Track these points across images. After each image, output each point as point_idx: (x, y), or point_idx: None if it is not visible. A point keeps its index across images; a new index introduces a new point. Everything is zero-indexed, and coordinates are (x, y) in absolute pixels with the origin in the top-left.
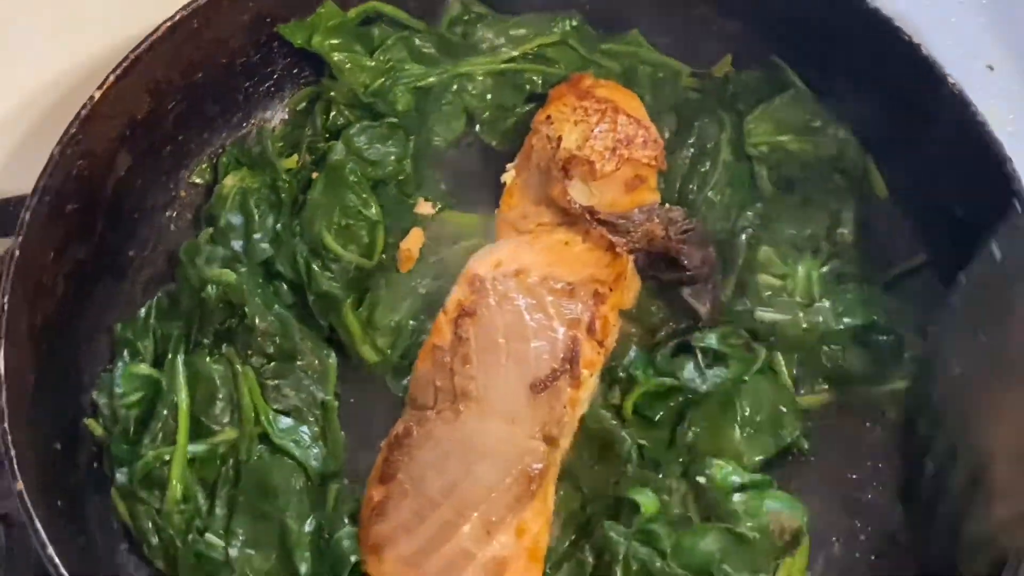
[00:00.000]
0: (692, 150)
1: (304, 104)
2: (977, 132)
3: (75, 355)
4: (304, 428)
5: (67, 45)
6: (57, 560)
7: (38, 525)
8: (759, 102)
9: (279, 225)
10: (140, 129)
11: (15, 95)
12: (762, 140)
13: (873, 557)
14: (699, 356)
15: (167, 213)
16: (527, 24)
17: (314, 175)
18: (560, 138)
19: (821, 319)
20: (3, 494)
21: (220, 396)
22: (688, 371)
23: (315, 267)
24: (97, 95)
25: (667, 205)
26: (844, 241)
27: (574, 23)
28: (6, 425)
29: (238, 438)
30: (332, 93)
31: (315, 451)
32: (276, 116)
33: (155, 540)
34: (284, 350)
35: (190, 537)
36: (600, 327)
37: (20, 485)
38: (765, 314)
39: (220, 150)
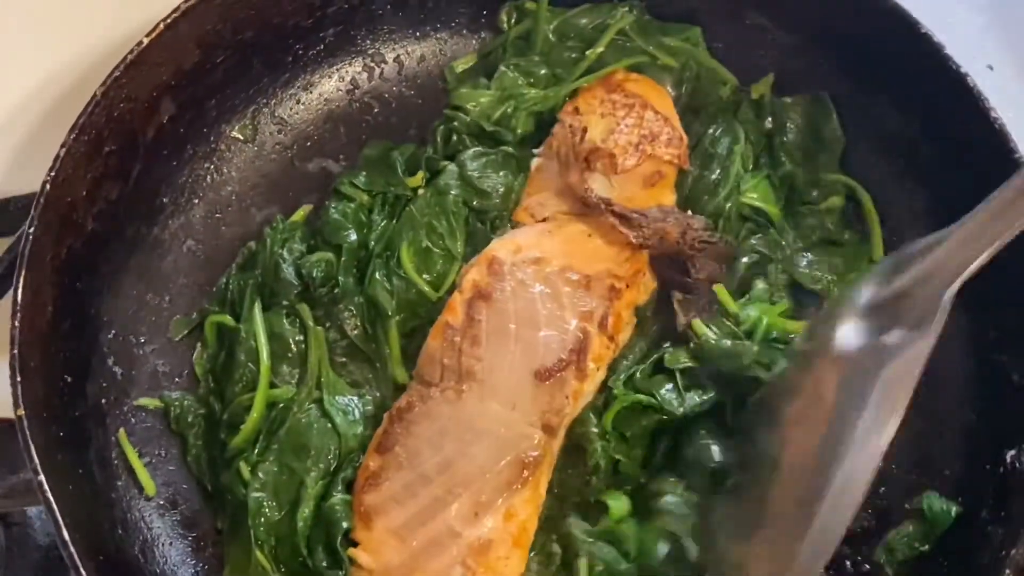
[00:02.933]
0: (708, 154)
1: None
2: None
3: (98, 293)
4: (358, 403)
5: (66, 49)
6: (47, 487)
7: (33, 453)
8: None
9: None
10: (186, 79)
11: (14, 96)
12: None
13: None
14: (678, 378)
15: (205, 164)
16: (586, 14)
17: (420, 190)
18: (585, 129)
19: (743, 356)
20: (3, 493)
21: (290, 354)
22: (666, 391)
23: (378, 275)
24: (145, 41)
25: (689, 212)
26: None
27: (631, 14)
28: (16, 351)
29: (295, 396)
30: (455, 123)
31: (359, 428)
32: (323, 81)
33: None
34: (364, 334)
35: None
36: (612, 322)
37: (21, 411)
38: (700, 326)
39: (263, 107)
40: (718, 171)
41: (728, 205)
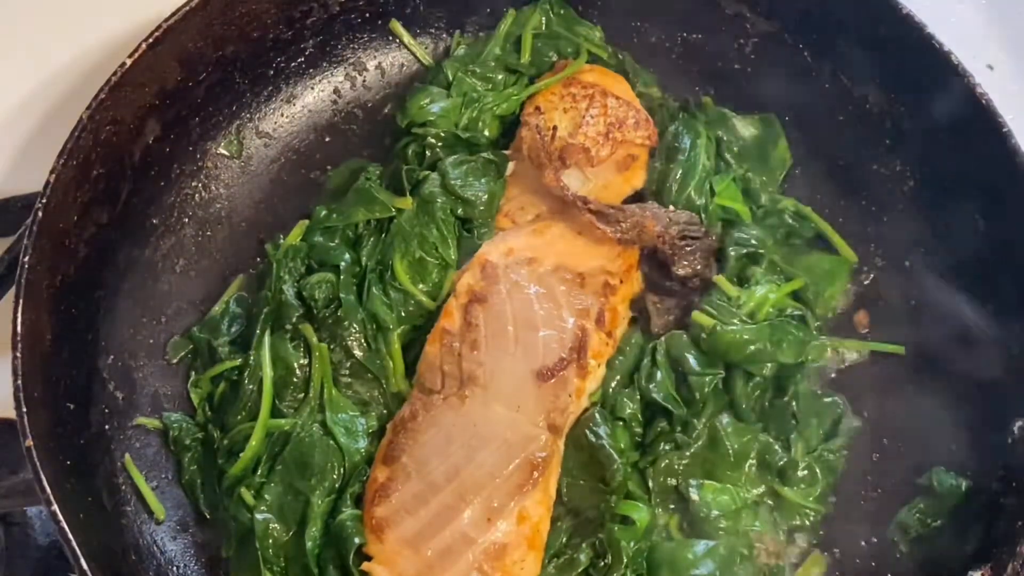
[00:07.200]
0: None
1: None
2: None
3: (94, 319)
4: (362, 421)
5: (65, 49)
6: (60, 517)
7: (44, 483)
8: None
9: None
10: (170, 98)
11: (16, 95)
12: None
13: (873, 564)
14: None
15: (193, 183)
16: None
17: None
18: (555, 128)
19: (749, 337)
20: (3, 493)
21: (295, 379)
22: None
23: (374, 289)
24: (128, 63)
25: (671, 207)
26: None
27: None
28: (20, 382)
29: (297, 420)
30: (429, 139)
31: (362, 443)
32: (306, 93)
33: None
34: (369, 351)
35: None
36: (609, 318)
37: (30, 442)
38: (702, 316)
39: (248, 122)
40: (683, 164)
41: (701, 200)
